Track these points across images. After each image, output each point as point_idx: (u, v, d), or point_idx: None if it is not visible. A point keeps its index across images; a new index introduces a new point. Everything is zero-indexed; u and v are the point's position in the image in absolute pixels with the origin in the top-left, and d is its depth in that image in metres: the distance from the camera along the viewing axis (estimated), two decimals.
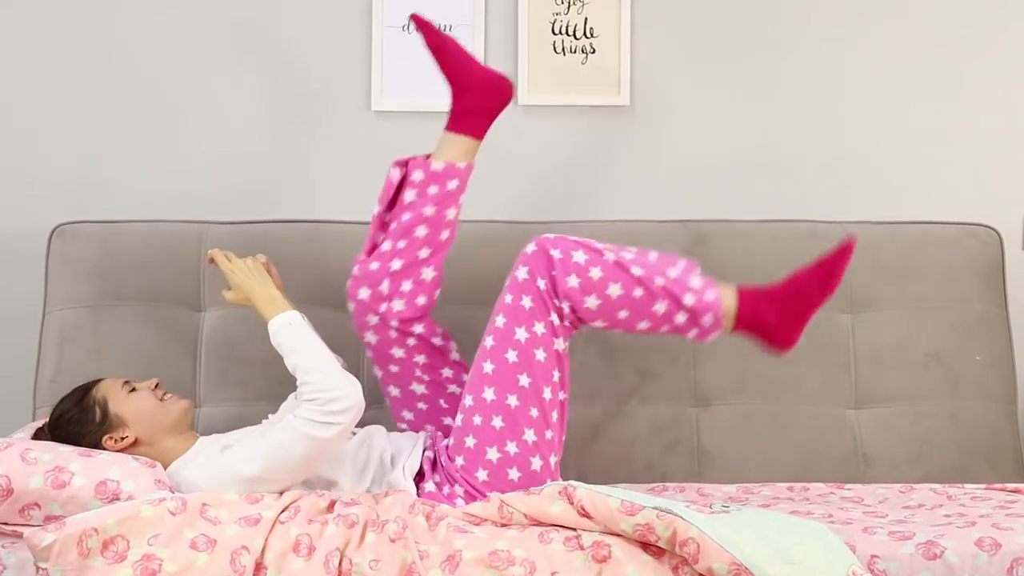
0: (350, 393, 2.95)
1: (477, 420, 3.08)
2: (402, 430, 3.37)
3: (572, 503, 2.80)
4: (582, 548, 2.71)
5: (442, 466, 3.15)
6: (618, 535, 2.73)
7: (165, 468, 3.04)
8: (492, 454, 3.07)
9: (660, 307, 3.07)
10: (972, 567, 2.71)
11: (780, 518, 2.80)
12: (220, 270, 3.19)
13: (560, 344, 3.09)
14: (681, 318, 3.09)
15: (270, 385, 3.44)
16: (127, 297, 3.61)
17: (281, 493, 2.94)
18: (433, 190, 3.27)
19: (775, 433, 3.56)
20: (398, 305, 3.27)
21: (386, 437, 3.26)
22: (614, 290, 3.05)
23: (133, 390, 3.14)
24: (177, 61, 3.90)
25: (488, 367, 3.09)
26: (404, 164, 3.31)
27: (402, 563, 2.70)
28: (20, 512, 2.87)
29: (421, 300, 3.29)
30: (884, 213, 3.85)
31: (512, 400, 3.06)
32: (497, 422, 3.07)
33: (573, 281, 3.04)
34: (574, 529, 2.77)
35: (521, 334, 3.06)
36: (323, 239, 3.65)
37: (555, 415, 3.11)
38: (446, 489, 3.11)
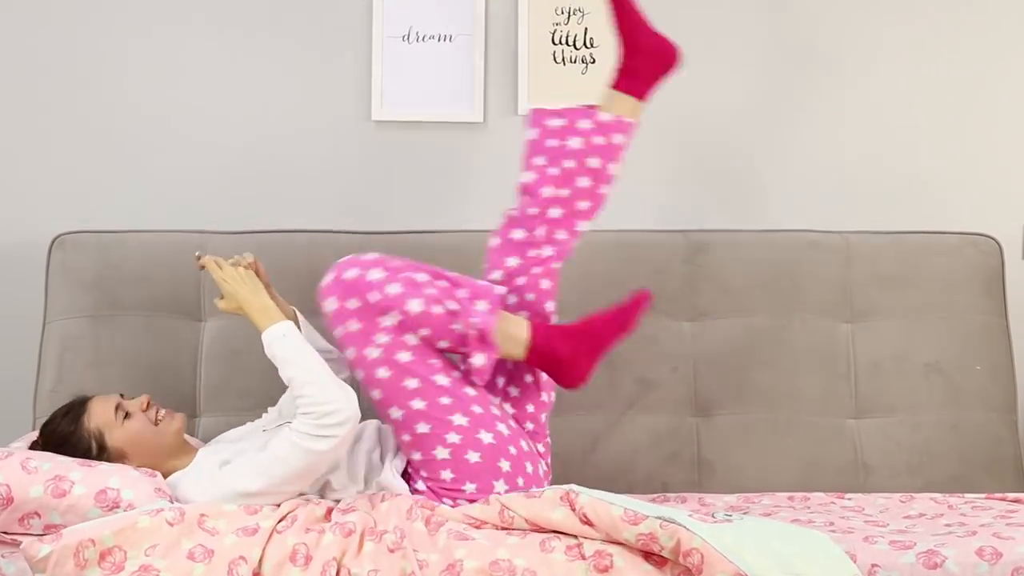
0: (345, 406, 2.94)
1: (407, 437, 3.06)
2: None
3: (574, 510, 2.79)
4: (584, 558, 2.70)
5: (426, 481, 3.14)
6: (620, 544, 2.73)
7: (165, 478, 3.04)
8: (441, 453, 3.04)
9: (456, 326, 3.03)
10: None
11: (782, 528, 2.80)
12: (211, 278, 3.18)
13: (411, 339, 3.03)
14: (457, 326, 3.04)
15: (270, 394, 3.44)
16: (127, 307, 3.61)
17: (279, 504, 2.93)
18: (599, 140, 3.22)
19: (776, 443, 3.56)
20: (547, 251, 3.24)
21: (376, 433, 3.25)
22: (413, 306, 3.00)
23: (126, 415, 3.11)
24: (177, 71, 3.90)
25: (377, 395, 3.06)
26: (543, 116, 3.23)
27: (401, 573, 2.69)
28: (20, 521, 2.86)
29: (556, 264, 3.27)
30: (884, 222, 3.86)
31: (417, 403, 3.03)
32: (423, 428, 3.04)
33: (374, 296, 2.99)
34: (575, 537, 2.76)
35: (372, 352, 3.02)
36: (323, 249, 3.64)
37: (469, 390, 3.08)
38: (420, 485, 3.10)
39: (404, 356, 3.02)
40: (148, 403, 3.15)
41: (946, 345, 3.63)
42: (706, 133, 3.93)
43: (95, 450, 3.06)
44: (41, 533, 2.86)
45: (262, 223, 3.81)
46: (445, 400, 3.04)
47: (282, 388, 3.14)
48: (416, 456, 3.07)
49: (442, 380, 3.05)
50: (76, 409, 3.12)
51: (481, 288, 3.08)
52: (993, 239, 3.72)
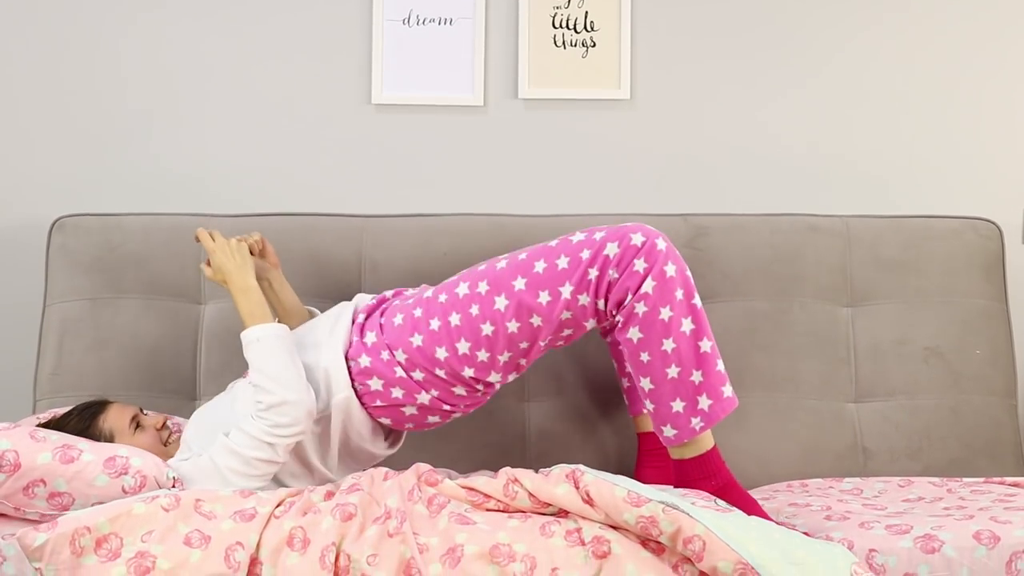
0: (297, 420, 2.99)
1: (474, 310, 3.05)
2: None
3: (577, 488, 2.80)
4: (583, 543, 2.70)
5: (380, 325, 3.15)
6: (618, 529, 2.73)
7: None
8: (462, 346, 3.05)
9: (677, 404, 3.02)
10: (971, 560, 2.71)
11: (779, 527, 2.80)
12: (204, 248, 3.20)
13: (590, 323, 3.05)
14: (679, 406, 3.03)
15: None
16: (127, 290, 3.61)
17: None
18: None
19: (775, 427, 3.56)
20: None
21: (308, 332, 3.25)
22: (667, 345, 2.99)
23: (139, 427, 3.15)
24: (177, 54, 3.90)
25: (519, 283, 3.04)
26: None
27: (400, 558, 2.69)
28: (24, 490, 2.87)
29: None
30: (884, 207, 3.86)
31: (512, 326, 3.02)
32: (487, 329, 3.04)
33: (640, 308, 2.98)
34: (575, 521, 2.77)
35: (567, 291, 3.00)
36: (323, 232, 3.65)
37: (525, 361, 3.09)
38: (384, 355, 3.10)
39: (566, 315, 3.03)
40: (164, 424, 3.20)
41: (946, 329, 3.63)
42: (704, 117, 3.93)
43: None
44: (45, 504, 2.88)
45: (262, 206, 3.81)
46: (487, 329, 3.04)
47: None
48: (417, 311, 3.09)
49: (513, 327, 3.03)
50: (95, 408, 3.17)
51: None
52: (993, 223, 3.72)
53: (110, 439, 3.10)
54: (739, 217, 3.72)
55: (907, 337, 3.63)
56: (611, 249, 2.99)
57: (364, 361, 3.11)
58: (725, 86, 3.92)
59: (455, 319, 3.06)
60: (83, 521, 2.69)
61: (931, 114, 3.93)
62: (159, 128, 3.90)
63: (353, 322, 3.20)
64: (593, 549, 2.69)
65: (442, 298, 3.11)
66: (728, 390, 3.01)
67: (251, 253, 3.32)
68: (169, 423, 3.24)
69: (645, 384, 3.02)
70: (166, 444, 3.18)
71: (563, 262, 3.03)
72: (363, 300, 3.29)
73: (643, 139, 3.92)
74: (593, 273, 2.99)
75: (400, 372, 3.08)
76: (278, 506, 2.84)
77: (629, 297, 2.97)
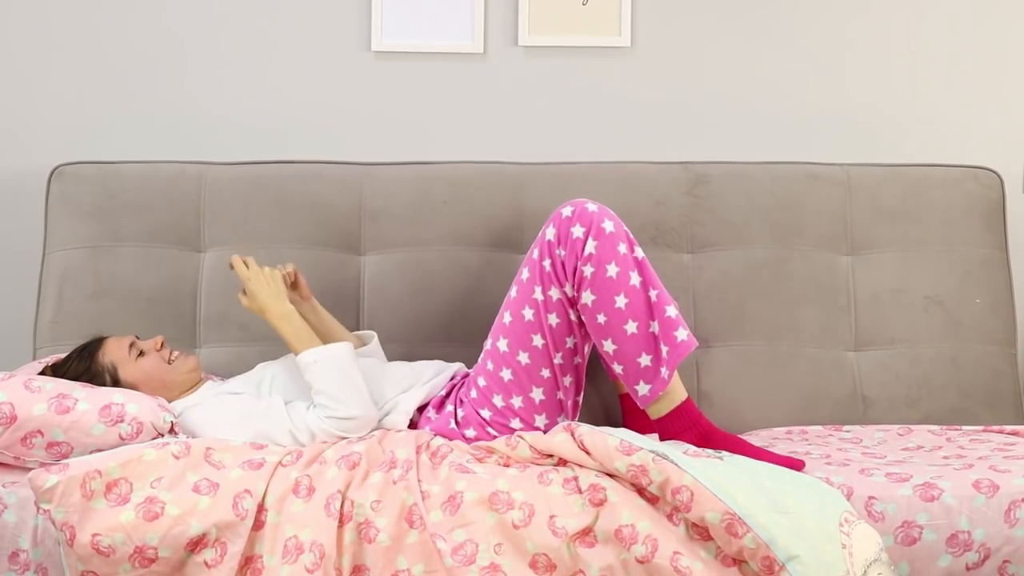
0: (357, 429, 3.03)
1: (490, 366, 3.11)
2: None
3: (574, 438, 2.83)
4: (580, 491, 2.73)
5: (456, 393, 3.19)
6: (614, 478, 2.75)
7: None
8: (498, 401, 3.09)
9: (644, 359, 3.03)
10: (970, 509, 2.72)
11: (772, 467, 2.81)
12: (237, 276, 3.20)
13: (575, 315, 3.07)
14: (646, 361, 3.04)
15: (269, 327, 3.44)
16: (126, 238, 3.60)
17: None
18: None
19: (775, 375, 3.56)
20: None
21: (399, 370, 3.29)
22: (619, 302, 3.00)
23: (140, 353, 3.16)
24: (176, 1, 3.87)
25: (507, 318, 3.10)
26: None
27: (402, 505, 2.71)
28: (22, 441, 2.88)
29: None
30: (885, 155, 3.85)
31: (523, 357, 3.07)
32: (506, 374, 3.08)
33: (588, 270, 3.00)
34: (572, 469, 2.79)
35: (539, 294, 3.05)
36: (323, 180, 3.64)
37: (568, 379, 3.11)
38: (447, 409, 3.14)
39: (553, 319, 3.05)
40: (162, 343, 3.21)
41: (946, 278, 3.63)
42: (705, 65, 3.91)
43: (109, 384, 3.10)
44: (44, 454, 2.89)
45: (262, 153, 3.80)
46: (545, 373, 3.08)
47: None
48: (481, 381, 3.12)
49: (558, 359, 3.08)
50: (91, 346, 3.18)
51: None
52: (994, 172, 3.71)
53: (113, 372, 3.11)
54: (739, 165, 3.72)
55: (907, 286, 3.63)
56: (550, 234, 3.04)
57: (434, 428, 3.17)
58: (726, 33, 3.90)
59: (482, 381, 3.12)
60: (94, 465, 2.72)
61: (932, 63, 3.91)
62: (158, 75, 3.89)
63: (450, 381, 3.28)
64: (590, 497, 2.71)
65: (472, 373, 3.20)
66: (682, 333, 3.02)
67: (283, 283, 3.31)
68: (165, 342, 3.24)
69: (608, 347, 3.03)
70: (170, 362, 3.18)
71: (525, 273, 3.09)
72: (463, 369, 3.35)
73: (643, 87, 3.91)
74: (547, 264, 3.04)
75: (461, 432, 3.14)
76: (286, 455, 2.87)
77: (577, 263, 3.00)
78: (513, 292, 3.11)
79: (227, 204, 3.62)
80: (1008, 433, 3.26)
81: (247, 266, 3.18)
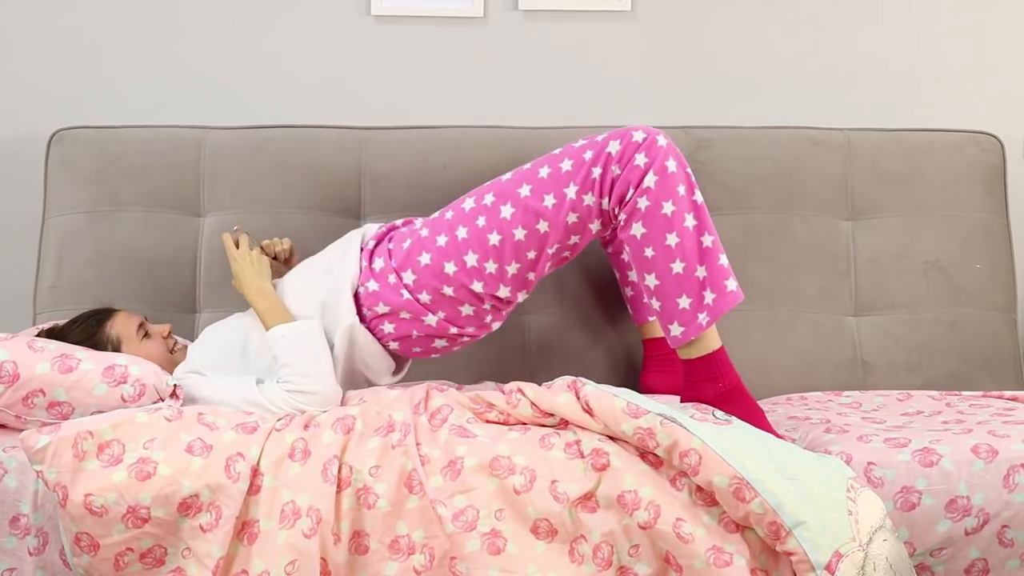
0: (321, 404, 3.00)
1: (481, 222, 3.07)
2: None
3: (578, 397, 2.82)
4: (582, 456, 2.72)
5: (388, 251, 3.16)
6: (617, 441, 2.75)
7: None
8: (470, 259, 3.07)
9: (683, 300, 3.01)
10: (969, 474, 2.72)
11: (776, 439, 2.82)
12: (226, 253, 3.25)
13: (596, 226, 3.05)
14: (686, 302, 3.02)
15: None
16: (126, 203, 3.60)
17: None
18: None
19: (775, 340, 3.56)
20: None
21: (319, 258, 3.29)
22: (670, 240, 2.99)
23: (146, 335, 3.18)
24: None
25: (525, 191, 3.06)
26: None
27: (402, 470, 2.72)
28: (24, 400, 2.89)
29: None
30: (885, 120, 3.84)
31: (519, 233, 3.03)
32: (494, 238, 3.05)
33: (642, 203, 2.98)
34: (574, 432, 2.79)
35: (572, 192, 3.01)
36: (323, 144, 3.64)
37: (548, 265, 3.09)
38: (391, 279, 3.11)
39: (572, 218, 3.02)
40: (169, 332, 3.24)
41: (946, 243, 3.63)
42: (706, 29, 3.90)
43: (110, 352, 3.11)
44: (45, 414, 2.90)
45: (261, 118, 3.79)
46: (494, 238, 3.05)
47: None
48: (424, 231, 3.11)
49: (519, 235, 3.04)
50: (102, 315, 3.20)
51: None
52: (995, 137, 3.71)
53: (117, 346, 3.13)
54: (740, 130, 3.71)
55: (907, 251, 3.63)
56: (613, 147, 3.01)
57: (372, 286, 3.12)
58: None
59: (462, 232, 3.07)
60: (86, 426, 2.72)
61: (933, 27, 3.90)
62: (158, 40, 3.87)
63: (362, 249, 3.21)
64: (592, 462, 2.71)
65: (448, 215, 3.13)
66: (732, 284, 3.01)
67: (276, 258, 3.34)
68: (172, 332, 3.27)
69: (650, 281, 3.02)
70: (172, 352, 3.21)
71: (567, 165, 3.04)
72: (372, 228, 3.30)
73: (644, 51, 3.90)
74: (596, 171, 3.00)
75: (407, 295, 3.09)
76: (279, 419, 2.87)
77: (631, 192, 2.97)
78: (543, 171, 3.06)
79: (227, 168, 3.62)
80: (1007, 398, 3.26)
81: (237, 246, 3.22)
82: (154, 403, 2.94)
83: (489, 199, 3.09)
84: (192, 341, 3.35)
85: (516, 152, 3.58)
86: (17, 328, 3.54)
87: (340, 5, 3.87)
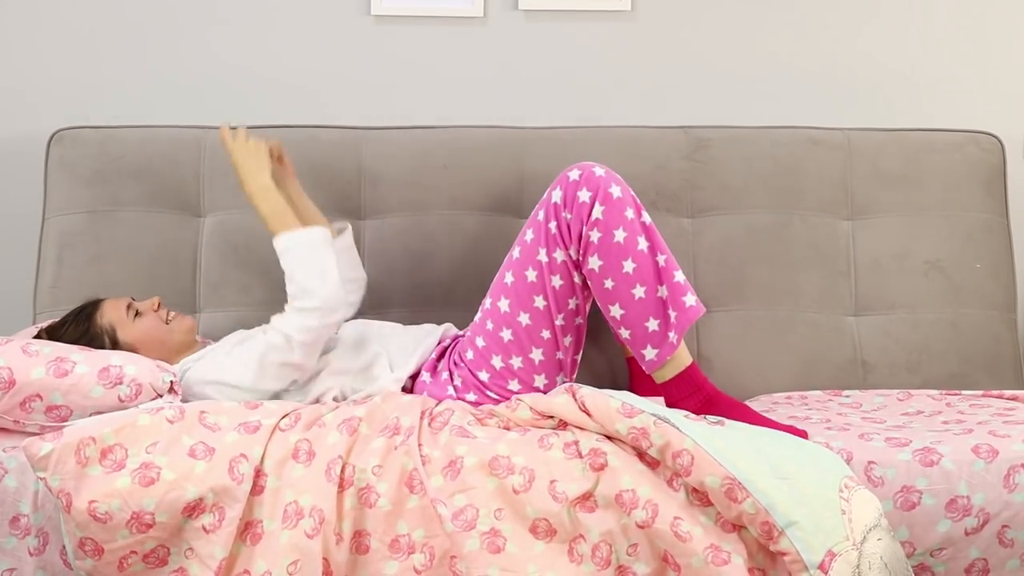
0: (323, 300, 3.01)
1: (489, 325, 3.11)
2: None
3: (575, 399, 2.84)
4: (580, 456, 2.73)
5: (450, 356, 3.20)
6: (615, 441, 2.76)
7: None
8: (496, 362, 3.09)
9: (652, 323, 3.04)
10: (969, 474, 2.72)
11: (774, 433, 2.82)
12: (224, 147, 3.20)
13: (579, 277, 3.07)
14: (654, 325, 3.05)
15: (271, 290, 3.45)
16: (126, 202, 3.60)
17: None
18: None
19: (775, 340, 3.56)
20: None
21: (390, 337, 3.29)
22: (627, 267, 3.01)
23: (137, 314, 3.17)
24: None
25: (509, 278, 3.09)
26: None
27: (403, 470, 2.72)
28: (21, 405, 2.89)
29: None
30: (886, 120, 3.84)
31: (524, 318, 3.07)
32: (506, 335, 3.08)
33: (594, 235, 2.99)
34: (573, 433, 2.80)
35: (543, 256, 3.04)
36: (322, 144, 3.64)
37: (568, 339, 3.11)
38: (443, 375, 3.15)
39: (557, 281, 3.05)
40: (159, 304, 3.22)
41: (946, 243, 3.63)
42: (706, 29, 3.90)
43: (108, 346, 3.10)
44: (43, 417, 2.90)
45: (261, 117, 3.79)
46: (545, 334, 3.08)
47: (283, 284, 3.15)
48: (479, 342, 3.12)
49: (559, 320, 3.08)
50: (88, 309, 3.19)
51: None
52: (995, 137, 3.70)
53: (112, 334, 3.12)
54: (740, 130, 3.71)
55: (907, 251, 3.62)
56: (556, 196, 3.03)
57: (424, 377, 3.18)
58: None
59: (480, 342, 3.12)
60: (88, 431, 2.72)
61: (933, 27, 3.90)
62: (158, 40, 3.87)
63: (439, 344, 3.28)
64: (590, 462, 2.72)
65: (468, 334, 3.19)
66: (691, 299, 3.03)
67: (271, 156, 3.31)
68: (162, 303, 3.25)
69: (615, 312, 3.04)
70: (168, 322, 3.20)
71: (530, 234, 3.08)
72: (451, 330, 3.36)
73: (644, 51, 3.90)
74: (552, 226, 3.03)
75: (452, 392, 3.13)
76: (283, 418, 2.86)
77: (583, 228, 2.99)
78: (516, 253, 3.11)
79: (227, 168, 3.59)
80: (1008, 398, 3.27)
81: (235, 138, 3.19)
82: (152, 399, 2.94)
83: (488, 302, 3.14)
84: (200, 340, 3.36)
85: (516, 152, 3.59)
86: (17, 328, 3.54)
87: (340, 5, 3.87)
